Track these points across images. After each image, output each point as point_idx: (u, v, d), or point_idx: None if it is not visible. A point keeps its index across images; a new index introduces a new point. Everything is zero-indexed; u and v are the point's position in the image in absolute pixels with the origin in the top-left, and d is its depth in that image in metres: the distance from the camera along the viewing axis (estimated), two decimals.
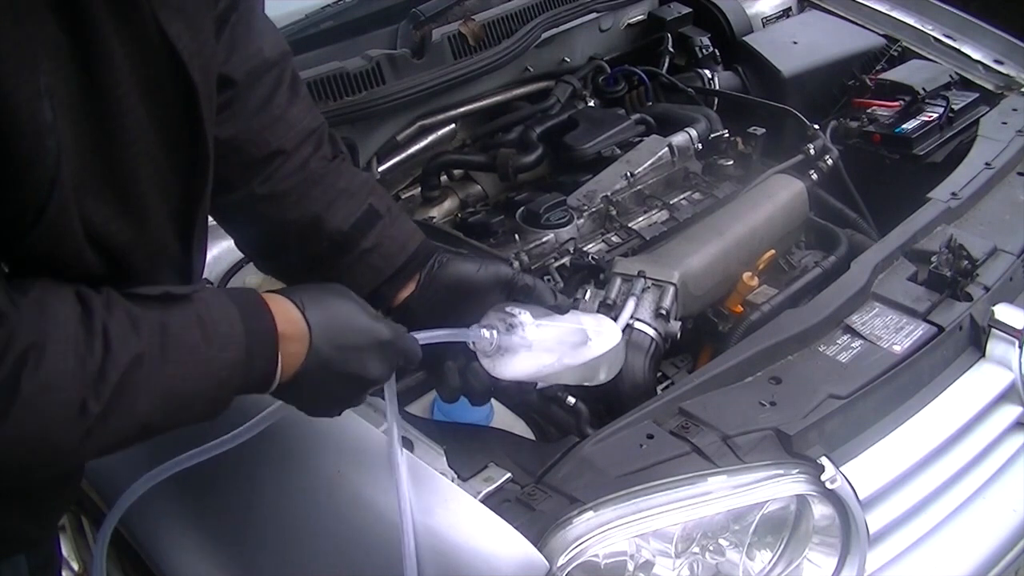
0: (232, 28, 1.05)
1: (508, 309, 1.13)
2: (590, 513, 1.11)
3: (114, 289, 0.85)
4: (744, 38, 2.34)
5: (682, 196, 1.88)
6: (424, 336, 1.06)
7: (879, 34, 2.35)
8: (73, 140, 0.78)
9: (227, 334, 0.89)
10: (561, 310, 1.16)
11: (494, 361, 1.11)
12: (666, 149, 1.91)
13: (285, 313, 0.95)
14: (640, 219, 1.80)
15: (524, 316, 1.12)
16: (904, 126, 2.01)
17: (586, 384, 1.19)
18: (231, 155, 1.05)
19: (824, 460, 1.22)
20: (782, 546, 1.28)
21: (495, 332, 1.10)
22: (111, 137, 0.82)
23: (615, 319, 1.47)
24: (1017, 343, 1.45)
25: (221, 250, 1.50)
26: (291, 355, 0.94)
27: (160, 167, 0.89)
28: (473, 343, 1.11)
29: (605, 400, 1.48)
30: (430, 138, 2.02)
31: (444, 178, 2.01)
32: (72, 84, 0.77)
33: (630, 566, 1.15)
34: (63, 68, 0.77)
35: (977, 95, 2.11)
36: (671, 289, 1.53)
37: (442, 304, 1.14)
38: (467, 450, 1.18)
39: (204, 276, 1.45)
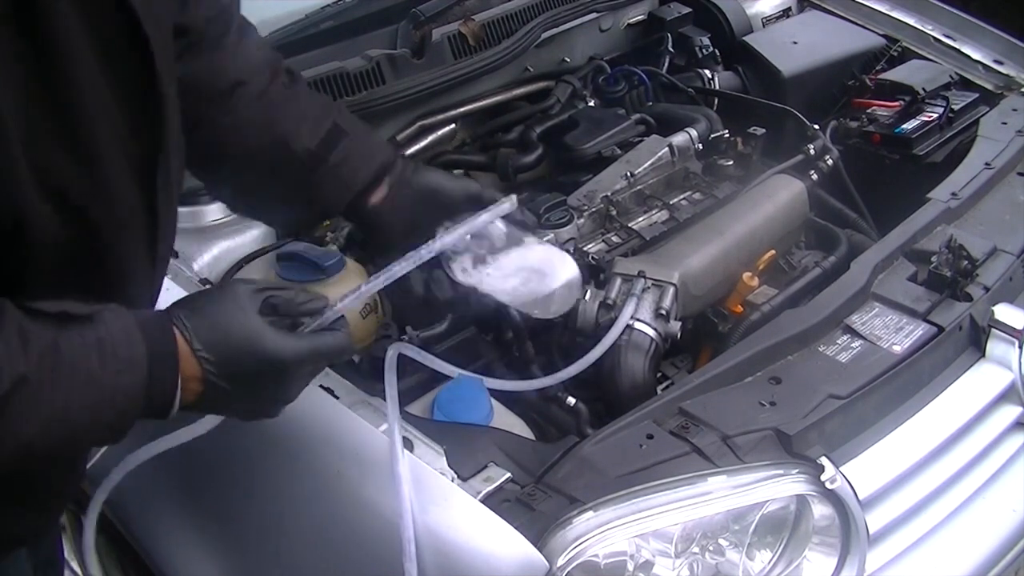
0: None
1: (484, 215, 1.12)
2: (590, 513, 1.11)
3: (11, 301, 0.81)
4: (744, 38, 2.34)
5: (682, 196, 1.88)
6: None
7: (879, 34, 2.35)
8: (20, 95, 0.77)
9: (127, 358, 0.85)
10: (527, 226, 1.16)
11: (456, 263, 1.12)
12: (666, 149, 1.91)
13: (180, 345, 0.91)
14: (640, 219, 1.80)
15: (497, 223, 1.12)
16: (904, 126, 2.01)
17: (537, 315, 1.21)
18: (191, 92, 1.05)
19: (824, 460, 1.22)
20: (782, 546, 1.28)
21: (456, 228, 1.09)
22: (62, 90, 0.81)
23: (615, 319, 1.47)
24: (1017, 343, 1.45)
25: (221, 250, 1.51)
26: (186, 387, 0.90)
27: (115, 118, 0.87)
28: (440, 240, 1.08)
29: (605, 400, 1.48)
30: (430, 138, 2.02)
31: None
32: (18, 40, 0.77)
33: (630, 566, 1.15)
34: (9, 25, 0.76)
35: (977, 95, 2.11)
36: (671, 289, 1.53)
37: (412, 211, 1.15)
38: (467, 450, 1.18)
39: (204, 277, 1.46)
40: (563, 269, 1.21)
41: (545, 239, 1.65)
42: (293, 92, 1.17)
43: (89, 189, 0.86)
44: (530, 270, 1.15)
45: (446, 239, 1.07)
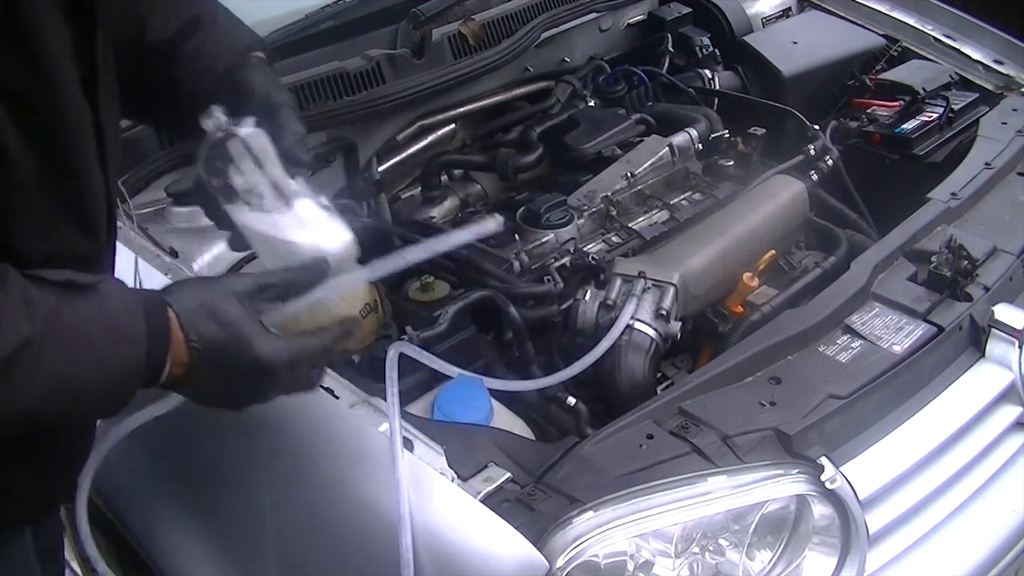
0: None
1: (248, 118, 1.05)
2: (590, 513, 1.11)
3: (15, 268, 0.83)
4: (744, 38, 2.34)
5: (682, 196, 1.88)
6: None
7: (879, 34, 2.35)
8: None
9: (127, 332, 0.87)
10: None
11: (218, 155, 1.04)
12: (666, 149, 1.91)
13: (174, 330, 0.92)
14: (640, 219, 1.81)
15: (247, 124, 1.04)
16: (904, 126, 2.01)
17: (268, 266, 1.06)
18: None
19: (824, 460, 1.22)
20: (782, 546, 1.28)
21: (223, 118, 1.03)
22: None
23: (615, 319, 1.47)
24: (1017, 343, 1.45)
25: (221, 250, 1.51)
26: (170, 370, 0.93)
27: (56, 21, 0.87)
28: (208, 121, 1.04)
29: (605, 400, 1.48)
30: (430, 138, 2.02)
31: (444, 178, 2.02)
32: None
33: (630, 566, 1.15)
34: None
35: (977, 95, 2.11)
36: (671, 289, 1.53)
37: (217, 97, 1.10)
38: (467, 450, 1.18)
39: (204, 275, 1.46)
40: (320, 232, 1.03)
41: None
42: None
43: (39, 91, 0.85)
44: (286, 212, 1.02)
45: (431, 245, 1.01)
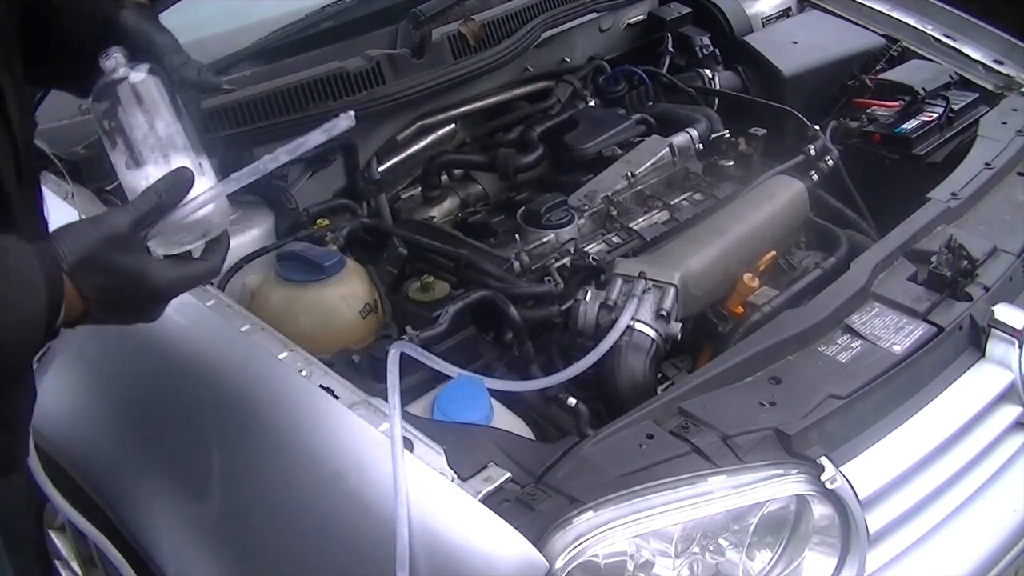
0: None
1: (143, 64, 1.05)
2: (590, 513, 1.11)
3: None
4: (744, 38, 2.35)
5: (683, 196, 1.88)
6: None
7: (879, 34, 2.35)
8: None
9: (33, 285, 0.89)
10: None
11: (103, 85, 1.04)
12: (667, 149, 1.91)
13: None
14: (641, 219, 1.81)
15: (140, 70, 1.04)
16: (904, 126, 2.01)
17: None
18: None
19: (824, 460, 1.22)
20: (782, 546, 1.28)
21: (121, 59, 1.03)
22: None
23: (615, 320, 1.47)
24: (1017, 343, 1.45)
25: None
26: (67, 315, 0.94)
27: None
28: (105, 62, 1.04)
29: (605, 400, 1.48)
30: (430, 138, 2.02)
31: (444, 178, 2.02)
32: None
33: (630, 566, 1.15)
34: None
35: (977, 95, 2.12)
36: (672, 290, 1.53)
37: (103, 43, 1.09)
38: (467, 450, 1.17)
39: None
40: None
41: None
42: None
43: None
44: (162, 168, 1.00)
45: (288, 150, 1.01)
